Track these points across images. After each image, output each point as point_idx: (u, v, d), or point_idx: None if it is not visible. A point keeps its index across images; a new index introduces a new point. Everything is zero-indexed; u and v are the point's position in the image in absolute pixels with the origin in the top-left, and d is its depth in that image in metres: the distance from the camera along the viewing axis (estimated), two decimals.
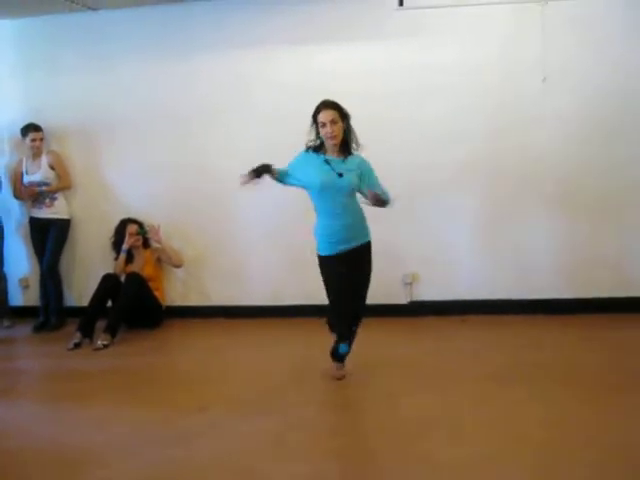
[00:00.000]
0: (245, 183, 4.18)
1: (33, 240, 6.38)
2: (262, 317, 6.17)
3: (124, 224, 6.13)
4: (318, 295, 6.03)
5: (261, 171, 4.15)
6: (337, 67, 5.93)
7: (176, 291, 6.44)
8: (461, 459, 3.17)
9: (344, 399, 4.14)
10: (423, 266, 5.99)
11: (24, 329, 6.22)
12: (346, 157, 4.17)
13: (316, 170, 4.12)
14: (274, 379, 4.53)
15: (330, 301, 4.30)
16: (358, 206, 4.24)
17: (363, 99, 5.73)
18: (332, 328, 4.36)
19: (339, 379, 4.31)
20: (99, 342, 5.47)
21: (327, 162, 4.13)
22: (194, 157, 6.27)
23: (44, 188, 6.20)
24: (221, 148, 6.21)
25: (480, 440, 3.39)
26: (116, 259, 6.13)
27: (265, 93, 6.08)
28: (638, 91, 5.62)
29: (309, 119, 5.65)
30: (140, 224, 6.16)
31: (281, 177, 4.23)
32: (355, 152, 4.23)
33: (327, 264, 4.23)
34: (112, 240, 6.20)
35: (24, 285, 6.72)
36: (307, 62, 6.03)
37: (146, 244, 6.19)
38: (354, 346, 4.34)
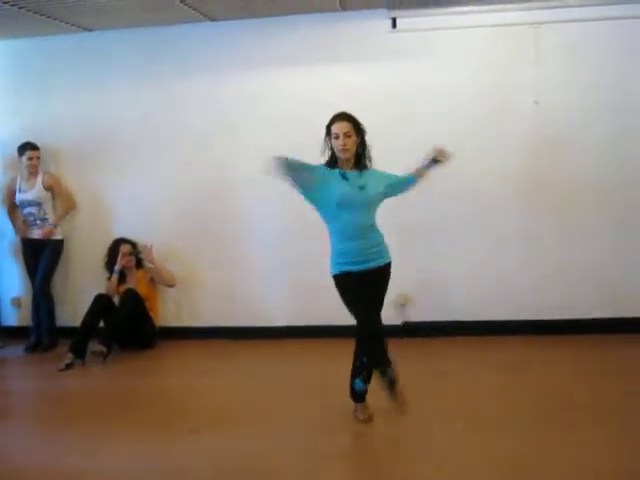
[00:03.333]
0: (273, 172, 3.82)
1: (26, 260, 6.36)
2: (255, 338, 6.15)
3: (117, 244, 6.12)
4: (312, 315, 6.09)
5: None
6: (329, 89, 5.93)
7: (169, 311, 6.41)
8: None
9: (337, 420, 4.09)
10: (416, 287, 5.98)
11: (16, 349, 6.19)
12: (361, 171, 3.99)
13: (334, 184, 3.88)
14: (267, 401, 4.51)
15: (358, 316, 3.92)
16: (376, 225, 4.05)
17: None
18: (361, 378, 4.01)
19: (367, 421, 3.98)
20: (97, 348, 5.47)
21: (344, 176, 3.92)
22: (188, 178, 6.27)
23: (38, 213, 6.19)
24: (215, 169, 6.22)
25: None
26: (109, 279, 6.11)
27: (257, 115, 6.10)
28: (631, 113, 5.67)
29: (303, 133, 5.67)
30: (133, 244, 6.15)
31: (296, 167, 3.85)
32: (369, 167, 4.05)
33: (345, 282, 3.96)
34: (105, 260, 6.19)
35: (16, 305, 6.69)
36: (300, 83, 6.06)
37: (139, 264, 6.18)
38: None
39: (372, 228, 4.02)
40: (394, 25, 5.85)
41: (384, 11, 5.82)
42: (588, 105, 5.69)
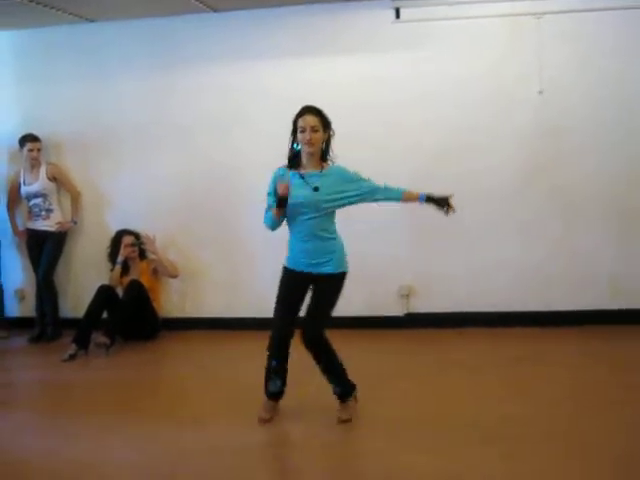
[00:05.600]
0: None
1: (29, 251, 6.37)
2: (258, 329, 6.13)
3: (120, 235, 6.13)
4: None
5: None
6: (334, 79, 5.95)
7: (172, 302, 6.42)
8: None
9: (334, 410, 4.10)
10: (419, 278, 5.98)
11: (20, 340, 6.21)
12: (323, 168, 3.83)
13: (292, 187, 3.73)
14: None
15: (273, 321, 4.02)
16: (333, 230, 3.87)
17: (359, 110, 5.76)
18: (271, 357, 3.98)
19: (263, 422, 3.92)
20: (100, 339, 5.48)
21: (301, 176, 3.79)
22: (191, 168, 6.27)
23: (43, 202, 6.22)
24: (218, 160, 6.22)
25: None
26: (112, 270, 6.12)
27: (263, 105, 6.09)
28: (636, 102, 5.65)
29: None
30: (136, 235, 6.15)
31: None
32: (331, 162, 3.88)
33: (285, 278, 3.97)
34: (108, 251, 6.20)
35: (20, 296, 6.70)
36: (304, 74, 6.04)
37: (142, 255, 6.19)
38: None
39: (324, 231, 3.81)
40: (398, 15, 5.82)
41: (388, 1, 5.79)
42: (592, 95, 5.67)
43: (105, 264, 6.24)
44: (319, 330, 3.84)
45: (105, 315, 5.84)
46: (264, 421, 3.89)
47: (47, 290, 6.23)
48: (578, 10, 5.58)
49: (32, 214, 6.28)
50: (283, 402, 4.00)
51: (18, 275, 6.67)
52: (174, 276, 6.22)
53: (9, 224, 6.48)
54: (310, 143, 3.75)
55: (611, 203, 5.74)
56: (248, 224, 6.21)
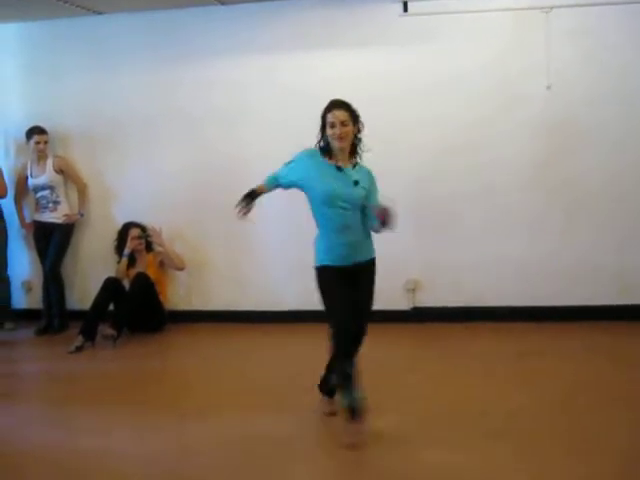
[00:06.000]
0: (245, 214, 3.84)
1: (36, 243, 6.39)
2: (264, 322, 6.16)
3: (127, 228, 6.14)
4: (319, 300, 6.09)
5: (251, 196, 3.86)
6: (341, 73, 5.93)
7: (178, 295, 6.43)
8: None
9: None
10: (425, 272, 5.98)
11: (27, 332, 6.23)
12: (355, 165, 3.77)
13: (325, 175, 3.69)
14: (276, 384, 4.52)
15: (334, 321, 3.66)
16: (363, 221, 3.77)
17: (367, 104, 5.71)
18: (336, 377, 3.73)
19: (331, 415, 3.88)
20: (107, 332, 5.51)
21: (338, 169, 3.69)
22: (197, 162, 6.28)
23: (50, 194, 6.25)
24: (225, 153, 6.22)
25: None
26: (119, 262, 6.14)
27: (270, 99, 6.10)
28: None
29: (313, 123, 5.63)
30: (143, 228, 6.17)
31: (271, 187, 3.91)
32: (360, 161, 3.81)
33: (327, 277, 3.73)
34: (115, 244, 6.21)
35: (27, 288, 6.73)
36: (311, 67, 6.03)
37: (149, 247, 6.20)
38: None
39: (359, 224, 3.73)
40: (405, 9, 5.80)
41: None
42: (600, 89, 5.64)
43: (112, 256, 6.26)
44: (367, 326, 3.77)
45: (112, 307, 5.86)
46: (332, 414, 3.86)
47: (54, 282, 6.25)
48: (587, 4, 5.56)
49: (39, 206, 6.30)
50: (291, 396, 4.00)
51: (25, 267, 6.69)
52: (180, 269, 6.23)
53: (16, 216, 6.49)
54: (340, 138, 3.67)
55: (616, 198, 5.72)
56: (256, 217, 6.20)
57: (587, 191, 5.74)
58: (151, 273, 6.04)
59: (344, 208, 3.66)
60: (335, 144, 3.69)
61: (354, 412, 3.50)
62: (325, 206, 3.69)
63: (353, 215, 3.69)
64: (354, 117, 3.74)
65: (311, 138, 5.83)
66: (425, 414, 3.84)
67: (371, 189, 3.76)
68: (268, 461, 3.37)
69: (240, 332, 5.99)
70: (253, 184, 6.18)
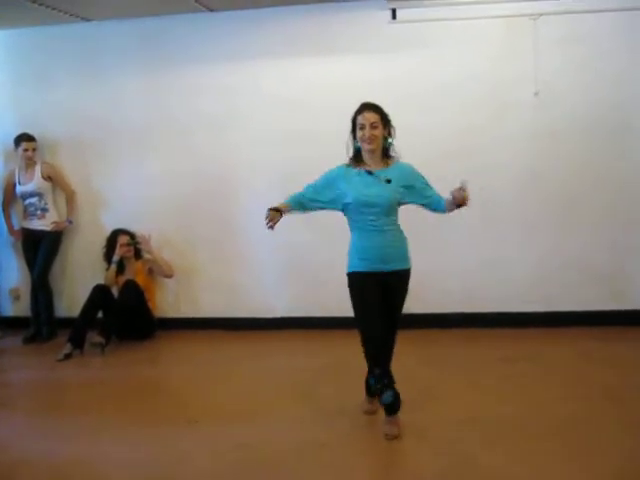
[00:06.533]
0: (272, 227, 3.72)
1: (25, 251, 6.36)
2: (254, 329, 6.15)
3: (115, 235, 6.12)
4: (310, 306, 6.09)
5: (277, 210, 3.73)
6: (330, 80, 5.95)
7: (167, 302, 6.41)
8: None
9: (334, 411, 4.09)
10: (414, 279, 5.95)
11: (14, 340, 6.19)
12: (388, 165, 3.74)
13: (354, 182, 3.68)
14: (265, 392, 4.52)
15: (361, 328, 3.71)
16: (398, 225, 3.81)
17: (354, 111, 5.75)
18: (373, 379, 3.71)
19: (369, 414, 3.98)
20: (95, 339, 5.49)
21: (369, 173, 3.69)
22: (186, 168, 6.26)
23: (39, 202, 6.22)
24: (214, 159, 6.21)
25: None
26: (107, 270, 6.11)
27: (259, 105, 6.09)
28: (631, 104, 5.66)
29: (301, 129, 5.69)
30: (131, 235, 6.15)
31: (298, 206, 3.82)
32: (397, 159, 3.81)
33: (358, 283, 3.74)
34: (103, 251, 6.19)
35: (15, 296, 6.69)
36: (300, 74, 6.04)
37: (138, 255, 6.18)
38: None
39: (394, 228, 3.76)
40: (394, 16, 5.83)
41: (384, 2, 5.79)
42: (588, 96, 5.67)
43: (100, 264, 6.24)
44: (396, 334, 3.82)
45: (100, 315, 5.84)
46: (371, 412, 3.94)
47: (42, 290, 6.22)
48: (574, 12, 5.59)
49: (27, 213, 6.27)
50: (281, 404, 3.98)
51: (13, 274, 6.66)
52: (169, 276, 6.22)
53: (4, 223, 6.46)
54: (370, 140, 3.67)
55: (607, 204, 5.74)
56: (244, 224, 6.22)
57: (577, 198, 5.77)
58: (140, 280, 6.02)
59: (375, 212, 3.66)
60: (364, 146, 3.70)
61: (388, 408, 3.64)
62: (356, 212, 3.70)
63: (386, 218, 3.70)
64: (384, 120, 3.73)
65: (300, 144, 5.95)
66: (413, 421, 3.83)
67: (413, 183, 3.73)
68: (259, 469, 3.36)
69: (230, 339, 5.98)
70: (242, 190, 6.28)
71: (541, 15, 5.63)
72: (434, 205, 3.81)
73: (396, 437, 3.61)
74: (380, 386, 3.61)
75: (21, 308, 6.60)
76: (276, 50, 6.05)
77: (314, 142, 5.88)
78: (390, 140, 3.78)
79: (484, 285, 5.91)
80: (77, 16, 6.11)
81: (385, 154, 3.77)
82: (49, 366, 5.35)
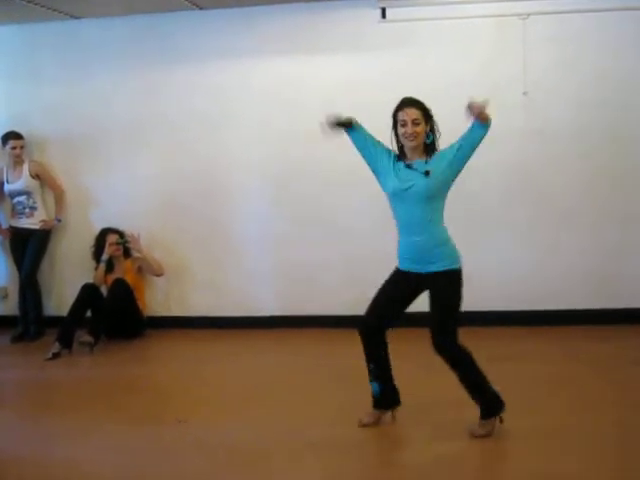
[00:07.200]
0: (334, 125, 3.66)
1: (13, 250, 6.32)
2: (243, 328, 6.14)
3: (104, 234, 6.10)
4: (300, 305, 6.09)
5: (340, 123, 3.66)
6: (321, 78, 5.96)
7: (157, 301, 6.39)
8: None
9: (323, 410, 4.10)
10: None
11: (2, 339, 6.15)
12: (430, 158, 3.60)
13: (393, 171, 3.60)
14: (254, 391, 4.51)
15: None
16: (442, 222, 3.64)
17: (344, 110, 5.73)
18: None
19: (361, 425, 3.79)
20: (84, 338, 5.46)
21: (407, 166, 3.57)
22: (176, 167, 6.25)
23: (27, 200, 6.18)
24: (204, 158, 6.20)
25: None
26: (96, 269, 6.09)
27: (251, 103, 6.09)
28: (620, 103, 5.68)
29: (293, 127, 5.65)
30: (120, 233, 6.13)
31: (361, 130, 3.77)
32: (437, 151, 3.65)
33: (391, 275, 3.73)
34: (92, 250, 6.17)
35: (3, 294, 6.65)
36: (291, 72, 6.04)
37: (127, 253, 6.16)
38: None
39: (434, 225, 3.59)
40: (384, 15, 5.83)
41: (374, 1, 5.80)
42: (577, 96, 5.70)
43: (89, 262, 6.21)
44: (444, 336, 3.61)
45: (89, 314, 5.82)
46: (361, 424, 3.76)
47: (30, 288, 6.19)
48: (563, 12, 5.62)
49: (16, 212, 6.24)
50: (270, 403, 3.96)
51: (1, 273, 6.62)
52: (159, 274, 6.20)
53: None
54: (413, 137, 3.55)
55: (597, 205, 5.77)
56: (235, 223, 6.22)
57: (567, 198, 5.79)
58: (129, 279, 6.00)
59: (416, 206, 3.52)
60: (407, 143, 3.58)
61: (375, 401, 3.72)
62: (392, 203, 3.63)
63: (427, 213, 3.55)
64: (426, 115, 3.62)
65: (290, 143, 5.94)
66: (405, 415, 3.84)
67: (450, 159, 3.55)
68: (248, 468, 3.36)
69: (219, 338, 5.97)
70: (232, 189, 6.26)
71: (529, 15, 5.65)
72: (467, 139, 3.64)
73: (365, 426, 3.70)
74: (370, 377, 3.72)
75: (9, 307, 6.56)
76: (266, 48, 6.04)
77: (305, 141, 5.87)
78: (432, 136, 3.64)
79: (475, 285, 5.87)
80: (66, 14, 6.08)
81: (427, 150, 3.62)
82: (37, 365, 5.32)
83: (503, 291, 5.87)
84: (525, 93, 5.68)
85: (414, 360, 4.31)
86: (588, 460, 3.24)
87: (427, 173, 3.51)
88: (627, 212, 5.74)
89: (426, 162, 3.58)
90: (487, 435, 3.54)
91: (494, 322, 5.76)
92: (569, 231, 5.80)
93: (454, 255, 3.64)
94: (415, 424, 3.80)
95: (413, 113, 3.56)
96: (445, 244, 3.61)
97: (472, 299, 5.82)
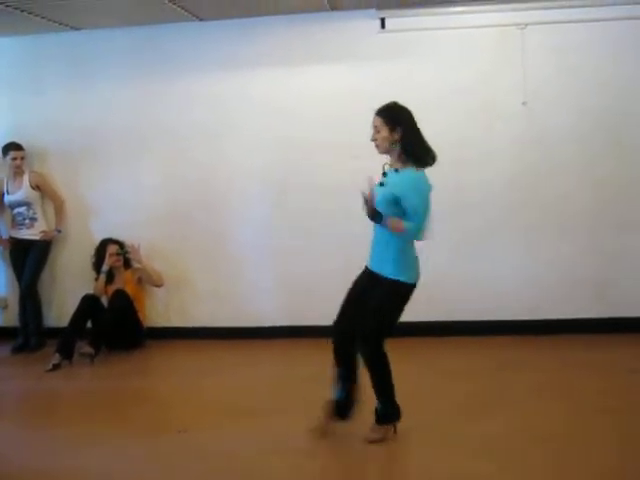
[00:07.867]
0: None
1: (13, 260, 6.32)
2: (243, 338, 6.13)
3: (104, 244, 6.10)
4: (300, 316, 6.08)
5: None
6: (321, 88, 5.98)
7: (157, 312, 6.39)
8: None
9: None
10: None
11: (2, 350, 6.14)
12: (399, 168, 3.61)
13: None
14: (255, 401, 4.50)
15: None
16: (389, 236, 3.57)
17: (344, 120, 5.77)
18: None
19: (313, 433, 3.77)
20: (85, 349, 5.45)
21: (384, 174, 3.66)
22: (176, 177, 6.26)
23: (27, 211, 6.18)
24: (204, 168, 6.21)
25: None
26: (97, 279, 6.09)
27: (250, 113, 6.10)
28: (619, 112, 5.69)
29: (292, 137, 5.68)
30: (120, 244, 6.13)
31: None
32: (412, 167, 3.58)
33: (361, 273, 3.78)
34: (92, 260, 6.17)
35: (3, 305, 6.64)
36: (290, 83, 6.06)
37: (127, 264, 6.16)
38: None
39: (387, 235, 3.56)
40: (383, 25, 5.85)
41: (373, 11, 5.82)
42: (576, 105, 5.71)
43: (89, 273, 6.21)
44: (365, 338, 3.66)
45: (89, 325, 5.81)
46: (310, 430, 3.76)
47: (31, 299, 6.18)
48: (561, 22, 5.64)
49: (16, 223, 6.24)
50: (269, 413, 3.95)
51: (1, 284, 6.61)
52: (159, 285, 6.20)
53: None
54: (375, 144, 3.67)
55: (597, 213, 5.77)
56: (234, 233, 6.22)
57: (566, 207, 5.79)
58: (129, 290, 5.99)
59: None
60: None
61: (333, 408, 3.74)
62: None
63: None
64: (390, 122, 3.63)
65: (290, 152, 5.97)
66: (402, 427, 3.83)
67: (405, 194, 3.49)
68: (246, 477, 3.35)
69: (220, 349, 5.96)
70: (232, 199, 6.27)
71: (528, 25, 5.67)
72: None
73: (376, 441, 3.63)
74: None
75: (9, 318, 6.55)
76: (266, 59, 6.07)
77: (305, 150, 5.90)
78: (408, 143, 3.61)
79: (472, 295, 5.91)
80: (67, 25, 6.10)
81: (405, 156, 3.60)
82: (37, 376, 5.31)
83: (501, 299, 5.87)
84: (524, 103, 5.70)
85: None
86: (585, 466, 3.24)
87: (381, 184, 3.59)
88: (627, 221, 5.74)
89: (396, 171, 3.62)
90: (381, 440, 3.64)
91: (491, 331, 5.76)
92: (569, 240, 5.80)
93: (405, 270, 3.63)
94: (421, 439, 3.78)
95: (375, 120, 3.67)
96: (397, 259, 3.61)
97: (471, 308, 5.89)
